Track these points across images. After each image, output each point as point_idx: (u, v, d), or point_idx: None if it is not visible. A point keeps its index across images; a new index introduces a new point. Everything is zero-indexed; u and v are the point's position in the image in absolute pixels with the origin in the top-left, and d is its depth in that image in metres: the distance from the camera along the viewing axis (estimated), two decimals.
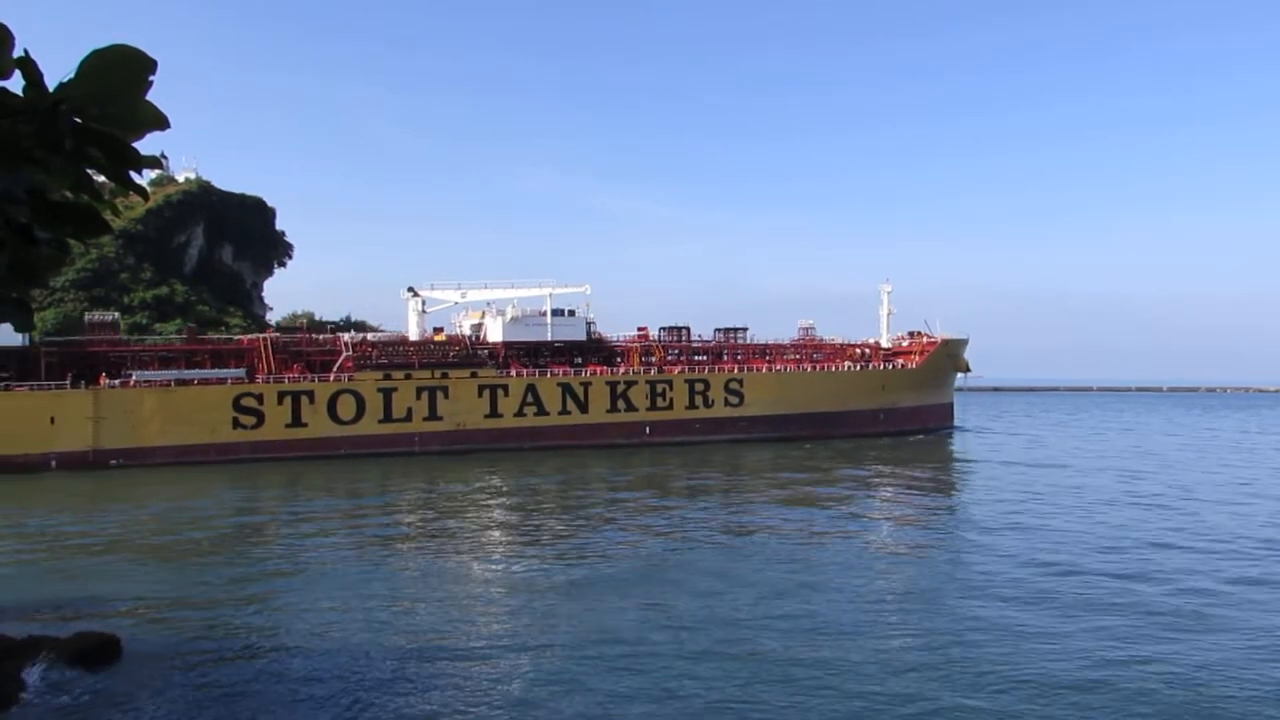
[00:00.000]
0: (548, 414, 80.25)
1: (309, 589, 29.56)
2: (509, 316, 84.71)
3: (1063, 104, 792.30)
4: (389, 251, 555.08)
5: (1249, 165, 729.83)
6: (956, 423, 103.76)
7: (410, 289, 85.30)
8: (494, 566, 33.23)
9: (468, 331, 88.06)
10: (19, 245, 5.02)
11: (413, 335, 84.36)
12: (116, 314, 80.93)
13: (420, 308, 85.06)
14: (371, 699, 19.56)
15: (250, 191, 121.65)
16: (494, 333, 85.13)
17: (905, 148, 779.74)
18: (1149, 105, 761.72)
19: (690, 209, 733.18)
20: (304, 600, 28.10)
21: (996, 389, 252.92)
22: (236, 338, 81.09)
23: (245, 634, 24.56)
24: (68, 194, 5.12)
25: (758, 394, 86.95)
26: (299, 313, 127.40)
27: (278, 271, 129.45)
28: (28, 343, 68.95)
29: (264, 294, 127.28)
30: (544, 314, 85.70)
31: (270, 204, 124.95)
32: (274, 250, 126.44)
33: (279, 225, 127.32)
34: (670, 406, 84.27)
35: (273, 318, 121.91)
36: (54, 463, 64.96)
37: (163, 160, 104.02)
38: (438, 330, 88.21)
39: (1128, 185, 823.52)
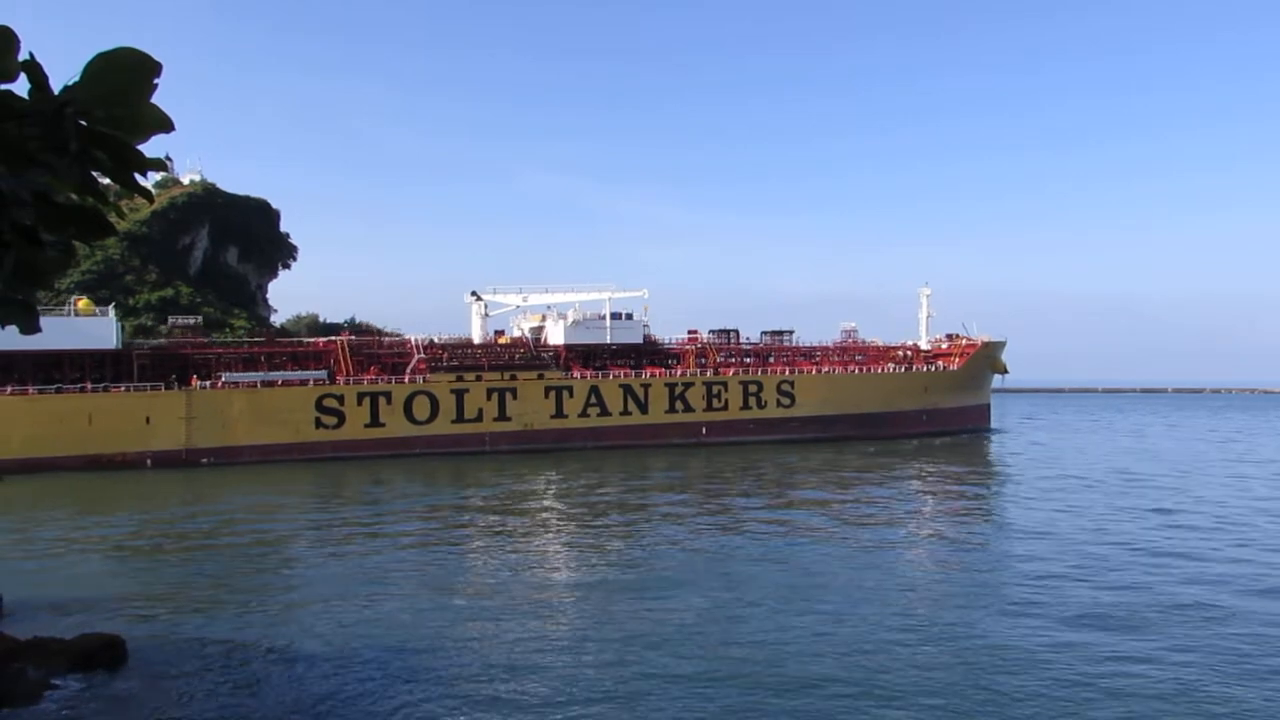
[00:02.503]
0: (610, 415, 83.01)
1: (339, 589, 29.35)
2: (570, 320, 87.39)
3: (1054, 107, 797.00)
4: (393, 254, 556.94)
5: (1253, 165, 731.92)
6: (993, 424, 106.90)
7: (473, 293, 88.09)
8: (544, 567, 33.44)
9: (524, 334, 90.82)
10: (25, 247, 5.02)
11: (475, 338, 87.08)
12: (199, 317, 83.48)
13: (483, 311, 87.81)
14: (388, 699, 19.37)
15: (255, 193, 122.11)
16: (555, 335, 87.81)
17: (904, 150, 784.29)
18: (1147, 105, 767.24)
19: (698, 211, 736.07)
20: (330, 600, 27.91)
21: (1000, 390, 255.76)
22: (313, 340, 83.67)
23: (260, 635, 24.24)
24: (73, 196, 5.15)
25: (808, 395, 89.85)
26: (303, 314, 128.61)
27: (282, 273, 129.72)
28: (121, 345, 71.56)
29: (268, 296, 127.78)
30: (603, 317, 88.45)
31: (275, 206, 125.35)
32: (278, 252, 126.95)
33: (283, 227, 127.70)
34: (725, 407, 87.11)
35: (277, 319, 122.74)
36: (149, 461, 67.53)
37: (167, 163, 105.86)
38: (499, 333, 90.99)
39: (1123, 187, 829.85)
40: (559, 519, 44.61)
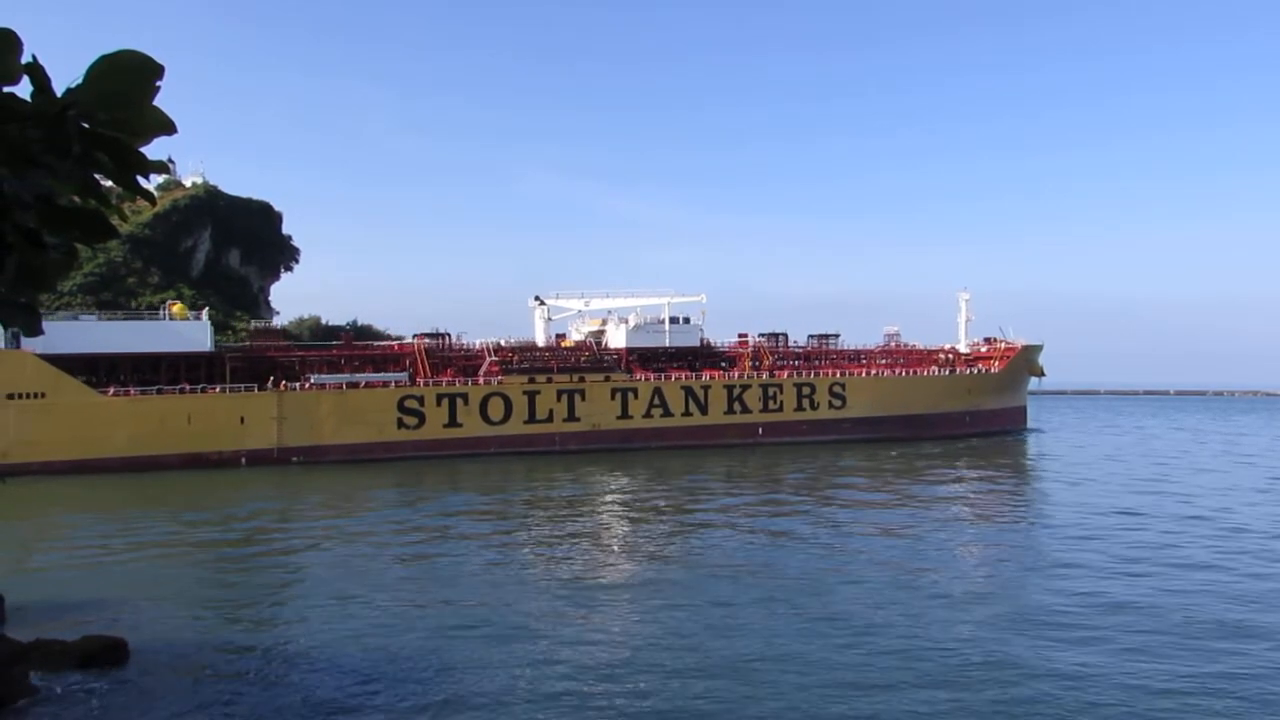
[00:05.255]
0: (672, 415, 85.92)
1: (361, 592, 29.29)
2: (632, 324, 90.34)
3: (1050, 108, 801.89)
4: (394, 255, 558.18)
5: (1259, 167, 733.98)
6: (1029, 425, 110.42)
7: (537, 297, 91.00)
8: (586, 570, 33.26)
9: (585, 337, 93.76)
10: (27, 250, 5.03)
11: (539, 342, 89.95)
12: (338, 323, 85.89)
13: (546, 315, 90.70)
14: (397, 705, 19.30)
15: (257, 195, 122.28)
16: (616, 339, 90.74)
17: (895, 153, 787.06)
18: (1140, 105, 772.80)
19: (696, 212, 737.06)
20: (349, 603, 27.91)
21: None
22: (390, 343, 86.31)
23: (271, 638, 24.24)
24: (75, 199, 5.15)
25: (858, 397, 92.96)
26: (305, 316, 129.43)
27: (284, 275, 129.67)
28: (214, 348, 74.20)
29: (270, 298, 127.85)
30: (662, 321, 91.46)
31: (277, 208, 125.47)
32: (281, 254, 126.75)
33: (285, 229, 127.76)
34: (780, 409, 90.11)
35: (279, 321, 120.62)
36: (244, 460, 70.11)
37: (170, 165, 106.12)
38: (560, 337, 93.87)
39: (1123, 189, 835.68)
40: (646, 520, 44.88)
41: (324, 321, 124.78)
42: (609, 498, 53.84)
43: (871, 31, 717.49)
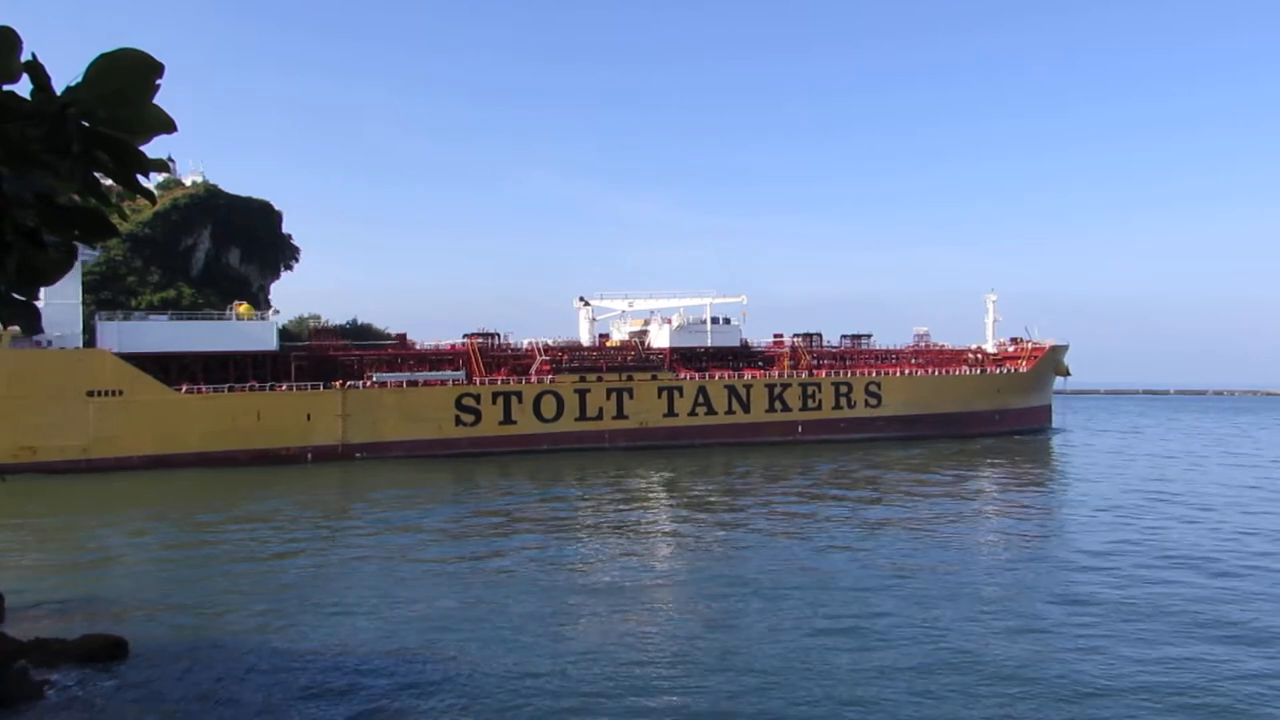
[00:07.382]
0: (716, 413, 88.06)
1: (371, 593, 29.10)
2: (675, 324, 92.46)
3: (1049, 109, 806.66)
4: (394, 255, 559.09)
5: (1259, 167, 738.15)
6: (1055, 424, 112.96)
7: (582, 298, 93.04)
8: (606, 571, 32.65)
9: (625, 337, 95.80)
10: (27, 249, 5.04)
11: (584, 341, 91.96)
12: (338, 322, 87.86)
13: (591, 316, 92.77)
14: (398, 701, 19.27)
15: (257, 194, 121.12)
16: (659, 339, 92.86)
17: (885, 154, 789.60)
18: (1139, 107, 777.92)
19: (700, 213, 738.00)
20: (358, 603, 27.77)
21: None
22: (445, 343, 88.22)
23: (274, 639, 23.95)
24: (75, 197, 5.16)
25: (893, 396, 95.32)
26: (305, 315, 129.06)
27: (284, 274, 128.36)
28: (279, 348, 76.02)
29: (270, 296, 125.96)
30: (704, 322, 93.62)
31: (277, 207, 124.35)
32: (280, 253, 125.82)
33: (286, 228, 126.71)
34: (819, 407, 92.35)
35: (279, 320, 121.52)
36: (310, 455, 71.97)
37: (170, 164, 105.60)
38: (604, 337, 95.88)
39: (1123, 189, 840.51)
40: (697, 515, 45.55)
41: (324, 321, 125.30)
42: (667, 495, 55.62)
43: (875, 31, 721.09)
